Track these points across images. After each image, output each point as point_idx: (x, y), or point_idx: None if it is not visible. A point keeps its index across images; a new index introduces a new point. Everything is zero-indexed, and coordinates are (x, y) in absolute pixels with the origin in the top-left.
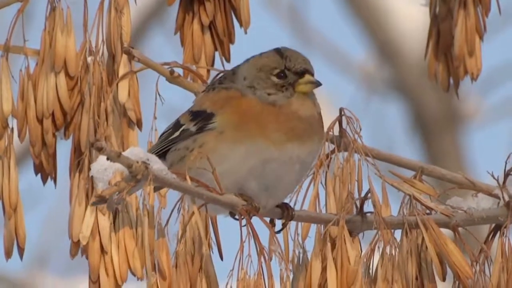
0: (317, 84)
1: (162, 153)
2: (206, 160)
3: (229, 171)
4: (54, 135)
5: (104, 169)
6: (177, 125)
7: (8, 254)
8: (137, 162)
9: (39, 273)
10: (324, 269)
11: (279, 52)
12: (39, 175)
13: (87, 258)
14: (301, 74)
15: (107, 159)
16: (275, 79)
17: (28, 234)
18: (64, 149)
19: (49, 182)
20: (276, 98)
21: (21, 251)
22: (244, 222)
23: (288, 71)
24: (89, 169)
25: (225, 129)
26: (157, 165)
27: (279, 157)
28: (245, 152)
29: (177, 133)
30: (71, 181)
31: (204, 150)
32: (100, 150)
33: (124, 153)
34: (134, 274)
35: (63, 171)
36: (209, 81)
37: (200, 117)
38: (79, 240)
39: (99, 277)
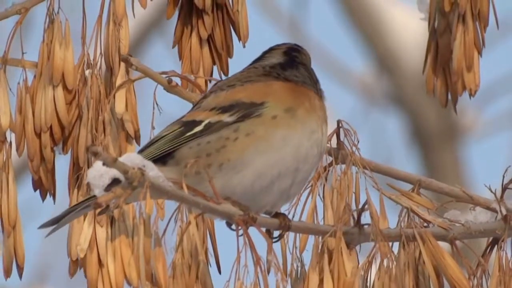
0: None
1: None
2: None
3: (282, 157)
4: (52, 150)
5: (100, 175)
6: (189, 123)
7: (8, 273)
8: (133, 168)
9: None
10: (321, 282)
11: (302, 49)
12: (37, 190)
13: (85, 271)
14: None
15: (103, 164)
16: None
17: (27, 249)
18: (62, 164)
19: (48, 197)
20: (318, 89)
21: (20, 270)
22: (240, 232)
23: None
24: (86, 177)
25: (277, 113)
26: (153, 172)
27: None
28: (301, 134)
29: (199, 128)
30: (70, 197)
31: (252, 138)
32: (95, 155)
33: (120, 159)
34: (129, 284)
35: (61, 185)
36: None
37: (236, 109)
38: (77, 259)
39: None
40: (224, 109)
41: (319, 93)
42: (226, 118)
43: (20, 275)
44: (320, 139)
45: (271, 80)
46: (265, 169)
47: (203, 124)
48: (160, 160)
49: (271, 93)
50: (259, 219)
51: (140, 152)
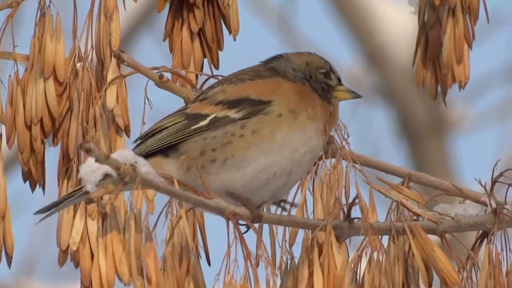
0: (358, 96)
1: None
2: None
3: (280, 159)
4: (42, 142)
5: (92, 171)
6: (194, 116)
7: None
8: (125, 164)
9: (27, 280)
10: (311, 275)
11: (318, 55)
12: (27, 182)
13: (75, 265)
14: (339, 81)
15: (96, 161)
16: (321, 77)
17: (16, 240)
18: (52, 156)
19: (38, 189)
20: (325, 93)
21: (9, 259)
22: (244, 228)
23: (332, 74)
24: (78, 173)
25: (283, 113)
26: (145, 168)
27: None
28: (300, 138)
29: (204, 122)
30: (60, 188)
31: (259, 135)
32: (88, 151)
33: (113, 155)
34: (121, 280)
35: (51, 177)
36: (198, 86)
37: (243, 105)
38: (67, 248)
39: (91, 282)
40: (231, 104)
41: (328, 100)
42: (233, 114)
43: (9, 264)
44: (315, 146)
45: (280, 79)
46: (264, 168)
47: (209, 118)
48: (162, 152)
49: (278, 91)
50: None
51: (141, 142)
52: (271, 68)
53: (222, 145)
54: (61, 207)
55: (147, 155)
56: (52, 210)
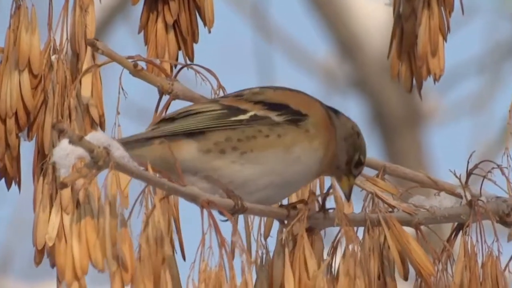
0: (346, 198)
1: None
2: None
3: (288, 173)
4: (17, 136)
5: (66, 155)
6: (233, 108)
7: None
8: (99, 147)
9: (2, 277)
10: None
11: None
12: (3, 179)
13: (51, 264)
14: (355, 173)
15: (69, 142)
16: (351, 149)
17: None
18: (27, 151)
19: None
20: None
21: None
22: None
23: (359, 165)
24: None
25: (310, 129)
26: (118, 151)
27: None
28: (313, 159)
29: (244, 116)
30: (35, 186)
31: (279, 142)
32: (61, 132)
33: (86, 137)
34: (95, 267)
35: (26, 173)
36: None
37: (283, 111)
38: (43, 248)
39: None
40: (271, 107)
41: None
42: (274, 116)
43: None
44: (316, 172)
45: (311, 98)
46: (270, 175)
47: (249, 114)
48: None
49: (313, 110)
50: (214, 198)
51: (168, 122)
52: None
53: (247, 138)
54: None
55: (171, 135)
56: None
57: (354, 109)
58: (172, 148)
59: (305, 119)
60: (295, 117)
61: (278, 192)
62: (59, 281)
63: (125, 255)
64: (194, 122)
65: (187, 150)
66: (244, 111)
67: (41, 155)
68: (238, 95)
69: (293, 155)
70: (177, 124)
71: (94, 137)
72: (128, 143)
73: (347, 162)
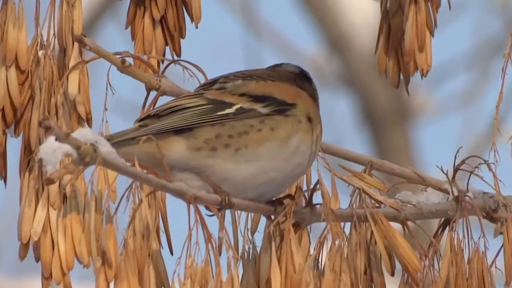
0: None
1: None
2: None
3: (285, 166)
4: (4, 133)
5: (53, 151)
6: (217, 103)
7: None
8: (86, 143)
9: None
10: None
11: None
12: None
13: (36, 258)
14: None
15: (56, 139)
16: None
17: None
18: (13, 147)
19: None
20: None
21: None
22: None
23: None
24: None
25: (302, 120)
26: (105, 148)
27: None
28: (311, 149)
29: (230, 110)
30: (21, 181)
31: (273, 135)
32: (48, 129)
33: (73, 134)
34: (80, 262)
35: (12, 170)
36: (160, 72)
37: (269, 101)
38: (28, 242)
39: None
40: (256, 98)
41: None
42: (260, 108)
43: None
44: (311, 160)
45: (297, 87)
46: (268, 169)
47: (235, 107)
48: (174, 130)
49: (300, 99)
50: (201, 194)
51: (155, 118)
52: (278, 73)
53: (239, 134)
54: None
55: (158, 132)
56: None
57: (343, 105)
58: (160, 146)
59: (292, 108)
60: (282, 107)
61: (277, 187)
62: (43, 276)
63: (110, 250)
64: (180, 119)
65: (176, 148)
66: (230, 105)
67: (28, 151)
68: (221, 88)
69: (291, 148)
70: (164, 122)
71: (81, 133)
72: (115, 142)
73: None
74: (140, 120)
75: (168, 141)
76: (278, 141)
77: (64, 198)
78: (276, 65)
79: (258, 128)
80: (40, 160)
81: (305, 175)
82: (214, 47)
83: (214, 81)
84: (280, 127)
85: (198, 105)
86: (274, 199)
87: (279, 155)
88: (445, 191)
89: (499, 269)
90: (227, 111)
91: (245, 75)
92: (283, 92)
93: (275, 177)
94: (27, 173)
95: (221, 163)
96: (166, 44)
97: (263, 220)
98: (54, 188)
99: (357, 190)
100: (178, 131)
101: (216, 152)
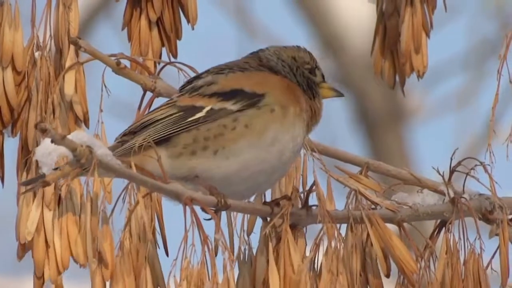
0: (341, 94)
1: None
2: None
3: (269, 156)
4: (1, 133)
5: (48, 153)
6: (189, 108)
7: None
8: (81, 146)
9: None
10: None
11: (305, 50)
12: None
13: (32, 254)
14: (323, 78)
15: (52, 142)
16: (307, 73)
17: None
18: (10, 147)
19: None
20: (309, 89)
21: None
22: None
23: (317, 71)
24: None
25: (275, 108)
26: (101, 150)
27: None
28: (291, 136)
29: (200, 114)
30: (18, 181)
31: (251, 130)
32: (44, 131)
33: (69, 136)
34: (76, 262)
35: (10, 169)
36: (156, 73)
37: (239, 97)
38: (26, 242)
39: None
40: (226, 96)
41: (313, 95)
42: (230, 106)
43: None
44: (301, 144)
45: (268, 72)
46: (252, 162)
47: (205, 110)
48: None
49: (270, 86)
50: (197, 195)
51: (131, 135)
52: (259, 60)
53: (214, 136)
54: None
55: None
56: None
57: (338, 106)
58: (143, 159)
59: (263, 98)
60: (252, 100)
61: (269, 177)
62: (36, 277)
63: (106, 252)
64: (153, 132)
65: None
66: (200, 108)
67: (25, 151)
68: (193, 90)
69: (268, 138)
70: (139, 137)
71: (77, 136)
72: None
73: (310, 86)
74: (122, 135)
75: (149, 154)
76: (254, 135)
77: (60, 199)
78: (262, 50)
79: (232, 127)
80: (36, 162)
81: (301, 177)
82: (208, 48)
83: (190, 81)
84: (254, 121)
85: (169, 115)
86: (270, 200)
87: (258, 148)
88: (441, 193)
89: (495, 271)
90: (198, 115)
91: (217, 70)
92: (253, 82)
93: (261, 168)
94: (24, 173)
95: (204, 163)
96: (163, 45)
97: (259, 221)
98: (49, 188)
99: (353, 192)
100: (157, 143)
101: (196, 155)
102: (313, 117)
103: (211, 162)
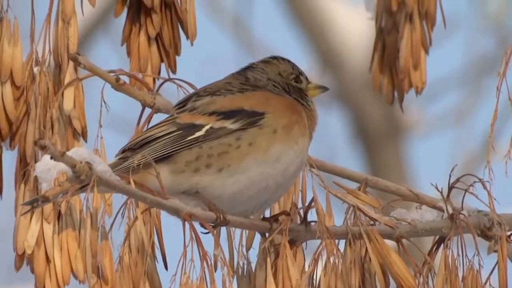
0: (325, 88)
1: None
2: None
3: (274, 173)
4: None
5: (48, 169)
6: (188, 127)
7: None
8: (81, 162)
9: None
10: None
11: (283, 59)
12: None
13: (31, 269)
14: (306, 79)
15: (51, 158)
16: (294, 83)
17: None
18: (9, 159)
19: None
20: (307, 101)
21: None
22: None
23: (301, 76)
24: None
25: (277, 128)
26: (101, 166)
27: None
28: (294, 152)
29: (200, 133)
30: (17, 193)
31: (254, 148)
32: (43, 148)
33: (68, 153)
34: (76, 277)
35: (8, 182)
36: (155, 90)
37: (239, 116)
38: (24, 253)
39: (45, 285)
40: (226, 115)
41: (307, 103)
42: (230, 125)
43: None
44: (305, 160)
45: (266, 92)
46: (258, 179)
47: (204, 129)
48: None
49: (271, 106)
50: (196, 211)
51: (131, 152)
52: (248, 79)
53: (218, 154)
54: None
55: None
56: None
57: (336, 122)
58: (144, 176)
59: (264, 117)
60: (253, 119)
61: (273, 194)
62: None
63: (105, 267)
64: (152, 150)
65: (160, 174)
66: (200, 127)
67: (23, 163)
68: (192, 109)
69: (273, 156)
70: (139, 155)
71: (76, 152)
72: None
73: (302, 95)
74: (122, 152)
75: (149, 171)
76: (259, 153)
77: (59, 214)
78: (248, 68)
79: (236, 146)
80: (36, 178)
81: (300, 193)
82: (207, 64)
83: (188, 98)
84: (257, 140)
85: (168, 132)
86: (269, 216)
87: (264, 165)
88: (440, 209)
89: (493, 287)
90: (197, 134)
91: (214, 91)
92: (250, 102)
93: (266, 185)
94: (22, 185)
95: (207, 180)
96: (162, 61)
97: (257, 237)
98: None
99: (351, 208)
100: (158, 161)
101: (199, 172)
102: (312, 125)
103: (215, 179)
